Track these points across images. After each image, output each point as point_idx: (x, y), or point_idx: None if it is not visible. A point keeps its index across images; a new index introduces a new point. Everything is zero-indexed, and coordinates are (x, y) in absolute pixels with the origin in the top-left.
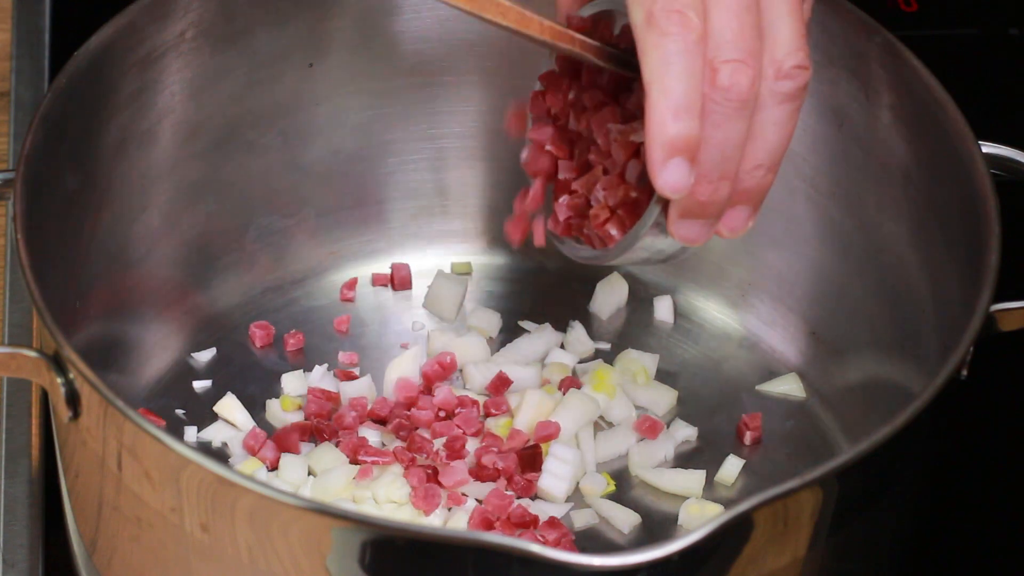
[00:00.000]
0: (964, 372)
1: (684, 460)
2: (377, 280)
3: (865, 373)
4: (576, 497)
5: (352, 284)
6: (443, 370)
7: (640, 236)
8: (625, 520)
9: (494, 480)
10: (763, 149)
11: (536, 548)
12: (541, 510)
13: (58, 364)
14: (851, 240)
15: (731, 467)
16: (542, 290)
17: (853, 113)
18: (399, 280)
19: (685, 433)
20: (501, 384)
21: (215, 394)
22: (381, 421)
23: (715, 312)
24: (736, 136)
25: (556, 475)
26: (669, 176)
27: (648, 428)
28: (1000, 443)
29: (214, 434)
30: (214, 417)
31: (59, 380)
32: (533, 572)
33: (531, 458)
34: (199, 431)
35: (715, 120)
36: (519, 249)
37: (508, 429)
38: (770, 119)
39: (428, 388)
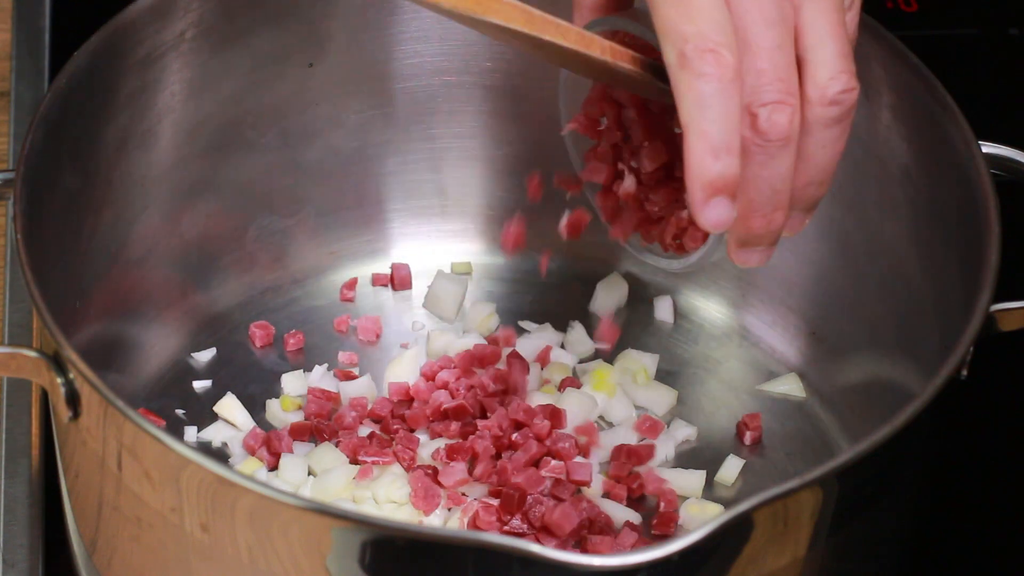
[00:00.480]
0: (964, 372)
1: (684, 460)
2: (377, 280)
3: (865, 373)
4: None
5: (352, 284)
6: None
7: (707, 261)
8: (626, 520)
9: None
10: (814, 168)
11: (536, 548)
12: None
13: (58, 364)
14: (851, 240)
15: (731, 467)
16: (542, 290)
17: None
18: (399, 280)
19: (685, 433)
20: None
21: (215, 394)
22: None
23: (715, 312)
24: (783, 170)
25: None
26: (711, 214)
27: (648, 428)
28: (1000, 443)
29: (214, 434)
30: (214, 417)
31: (59, 380)
32: (533, 572)
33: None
34: (199, 431)
35: (760, 160)
36: (518, 249)
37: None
38: (819, 142)
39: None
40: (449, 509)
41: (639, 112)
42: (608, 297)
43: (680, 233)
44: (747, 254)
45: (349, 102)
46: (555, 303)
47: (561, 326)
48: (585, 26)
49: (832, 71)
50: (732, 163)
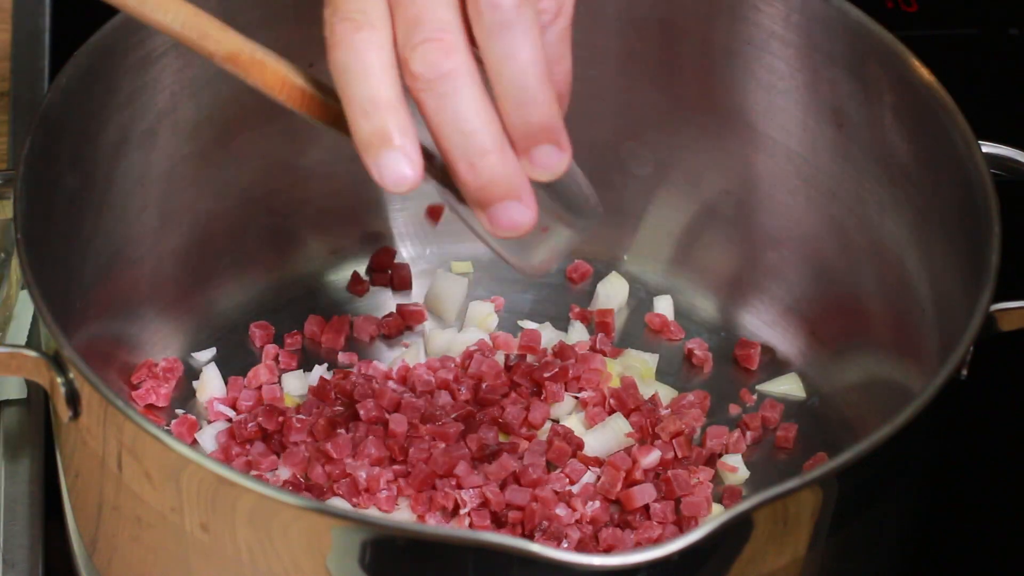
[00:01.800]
0: (964, 372)
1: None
2: (377, 280)
3: (865, 373)
4: None
5: (352, 284)
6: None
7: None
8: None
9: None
10: (512, 88)
11: (536, 548)
12: None
13: (58, 364)
14: (851, 240)
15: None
16: (542, 290)
17: (853, 113)
18: (399, 280)
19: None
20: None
21: None
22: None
23: (715, 312)
24: (469, 108)
25: None
26: (383, 172)
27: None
28: (1000, 443)
29: (212, 432)
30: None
31: (59, 380)
32: (533, 572)
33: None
34: (199, 430)
35: (432, 105)
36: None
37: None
38: (501, 56)
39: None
40: (451, 514)
41: None
42: (608, 297)
43: None
44: (496, 214)
45: None
46: (555, 303)
47: (561, 326)
48: None
49: None
50: (381, 116)
